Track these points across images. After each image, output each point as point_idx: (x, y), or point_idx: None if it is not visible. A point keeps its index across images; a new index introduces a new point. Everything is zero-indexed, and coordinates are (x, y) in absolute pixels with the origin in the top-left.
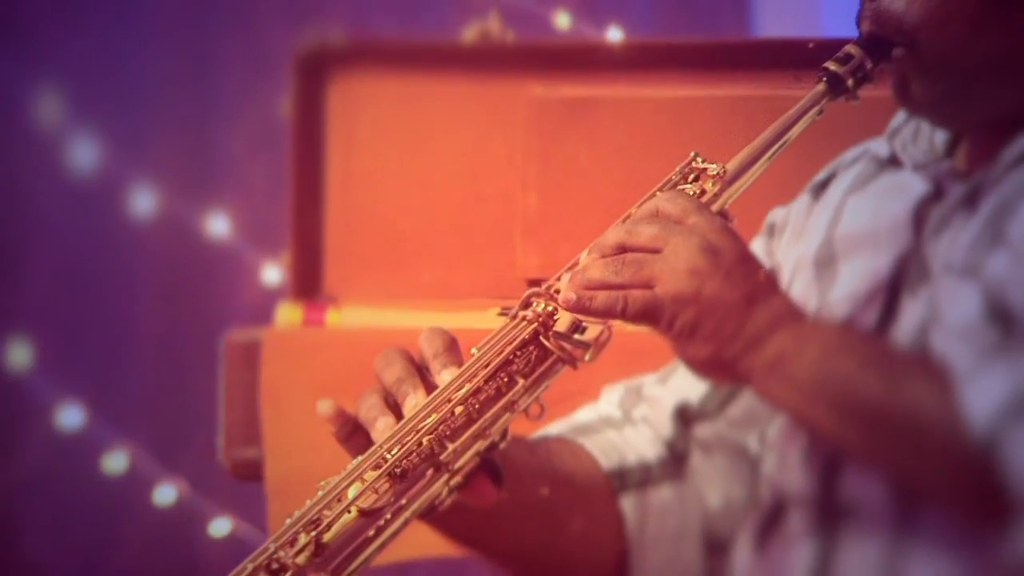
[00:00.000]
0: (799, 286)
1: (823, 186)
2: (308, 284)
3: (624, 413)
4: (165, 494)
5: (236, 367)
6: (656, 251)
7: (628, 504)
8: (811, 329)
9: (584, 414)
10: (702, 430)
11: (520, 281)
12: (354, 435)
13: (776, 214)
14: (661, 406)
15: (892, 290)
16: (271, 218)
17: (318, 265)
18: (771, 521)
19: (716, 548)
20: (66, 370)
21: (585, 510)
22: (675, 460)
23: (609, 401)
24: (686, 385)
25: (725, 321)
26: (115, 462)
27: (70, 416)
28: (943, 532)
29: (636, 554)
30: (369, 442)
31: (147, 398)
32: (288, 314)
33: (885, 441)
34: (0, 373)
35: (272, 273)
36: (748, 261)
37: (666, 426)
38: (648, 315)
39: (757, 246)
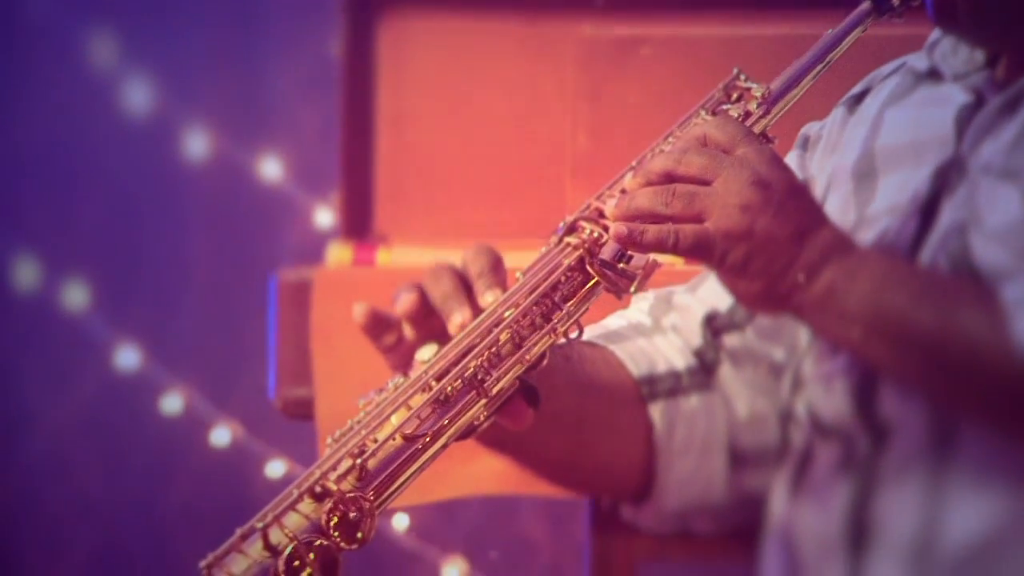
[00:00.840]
0: (836, 199)
1: (858, 99)
2: (358, 224)
3: (654, 321)
4: (220, 435)
5: (287, 307)
6: (706, 183)
7: (657, 412)
8: (861, 261)
9: (614, 321)
10: (730, 340)
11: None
12: (394, 343)
13: (811, 128)
14: (691, 315)
15: (932, 201)
16: (322, 159)
17: (368, 205)
18: (806, 464)
19: (740, 460)
20: (121, 311)
21: (614, 417)
22: (704, 369)
23: (639, 309)
24: (715, 294)
25: (776, 257)
26: (171, 403)
27: (126, 357)
28: (983, 464)
29: (662, 462)
30: (406, 354)
31: (200, 339)
32: (338, 254)
33: (938, 370)
34: (57, 314)
35: (323, 214)
36: (798, 193)
37: (695, 335)
38: (699, 250)
39: (791, 160)
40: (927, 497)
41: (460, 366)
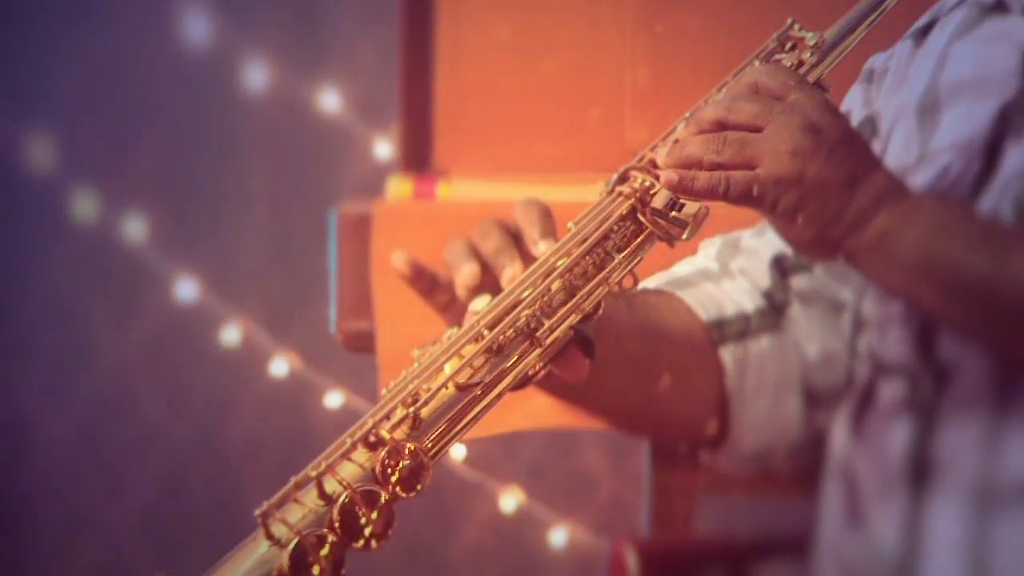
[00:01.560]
0: (901, 134)
1: (924, 32)
2: (418, 157)
3: (722, 265)
4: (279, 367)
5: (347, 240)
6: (757, 130)
7: (727, 355)
8: (914, 207)
9: (682, 268)
10: (799, 281)
11: (628, 154)
12: (436, 291)
13: (876, 60)
14: (758, 257)
15: (995, 138)
16: (381, 91)
17: (428, 138)
18: (867, 401)
19: (815, 400)
20: (180, 244)
21: (684, 362)
22: (773, 311)
23: (707, 254)
24: None
25: (828, 202)
26: (229, 335)
27: (185, 289)
28: None
29: (736, 405)
30: (460, 312)
31: (259, 272)
32: (398, 187)
33: (991, 317)
34: (117, 247)
35: (382, 147)
36: (850, 138)
37: (764, 277)
38: (750, 197)
39: (855, 93)
40: (988, 436)
41: (512, 315)
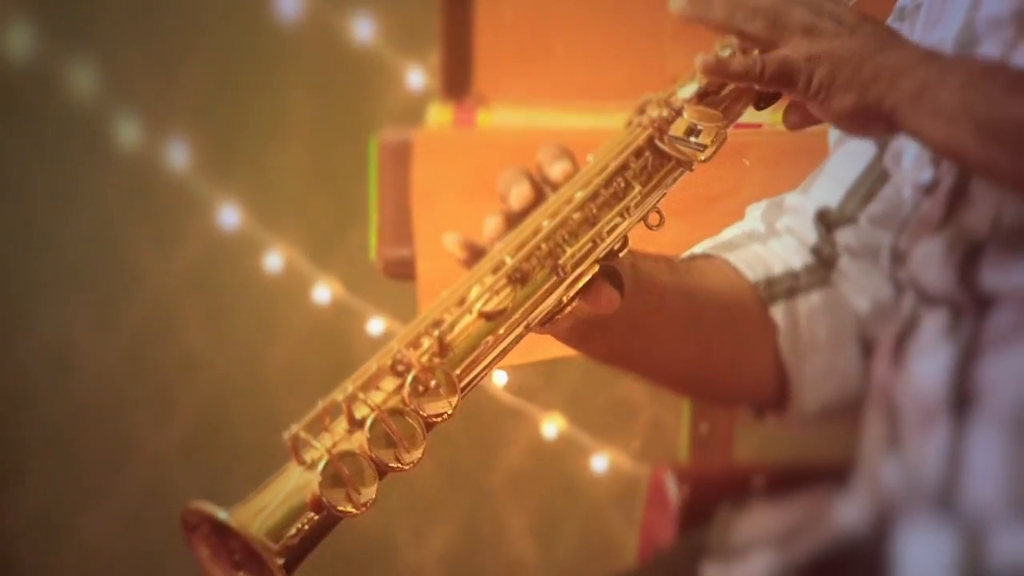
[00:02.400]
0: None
1: None
2: (458, 85)
3: (767, 225)
4: (321, 293)
5: (388, 168)
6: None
7: (778, 314)
8: (950, 61)
9: (729, 232)
10: (844, 235)
11: (669, 81)
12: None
13: None
14: (803, 213)
15: None
16: (421, 19)
17: (468, 66)
18: (910, 329)
19: (872, 352)
20: (223, 171)
21: (733, 323)
22: (822, 266)
23: (753, 217)
24: (826, 191)
25: (861, 67)
26: (273, 261)
27: (229, 216)
28: None
29: (792, 363)
30: None
31: (301, 199)
32: (438, 115)
33: None
34: (160, 173)
35: (422, 75)
36: (873, 20)
37: (810, 233)
38: (784, 76)
39: None
40: None
41: (533, 243)
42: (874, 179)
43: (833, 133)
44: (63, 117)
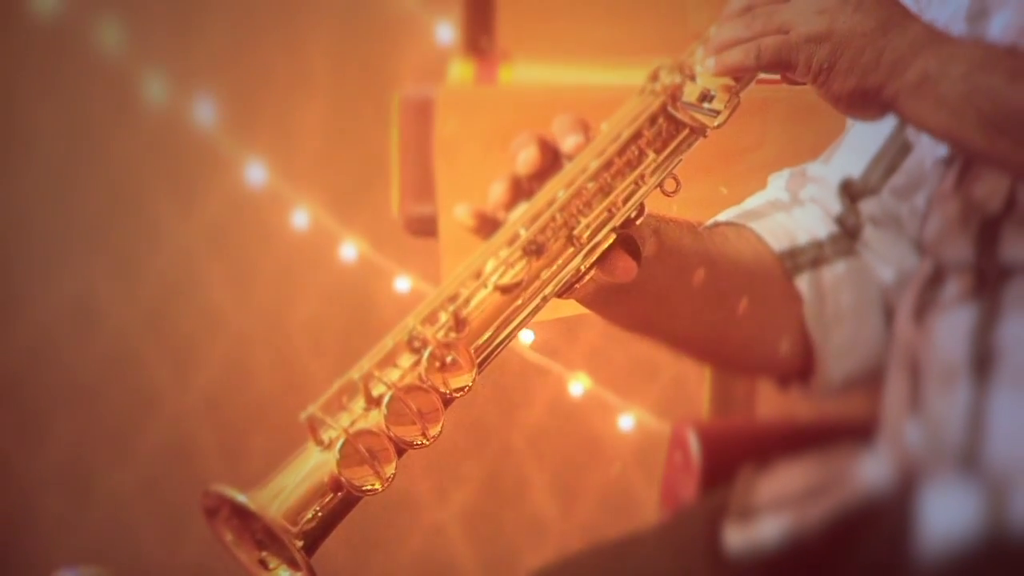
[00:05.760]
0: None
1: None
2: (480, 41)
3: (792, 195)
4: (347, 251)
5: (410, 125)
6: (784, 1)
7: (803, 284)
8: (954, 47)
9: (752, 201)
10: (868, 206)
11: (691, 38)
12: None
13: None
14: (827, 184)
15: None
16: None
17: (490, 21)
18: (931, 289)
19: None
20: (248, 127)
21: (758, 292)
22: (847, 236)
23: (776, 186)
24: (849, 161)
25: (862, 51)
26: (299, 218)
27: (255, 172)
28: None
29: (818, 334)
30: None
31: (325, 156)
32: (460, 71)
33: None
34: (186, 130)
35: (445, 30)
36: None
37: (834, 203)
38: (783, 58)
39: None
40: None
41: (548, 214)
42: (896, 150)
43: None
44: (89, 74)
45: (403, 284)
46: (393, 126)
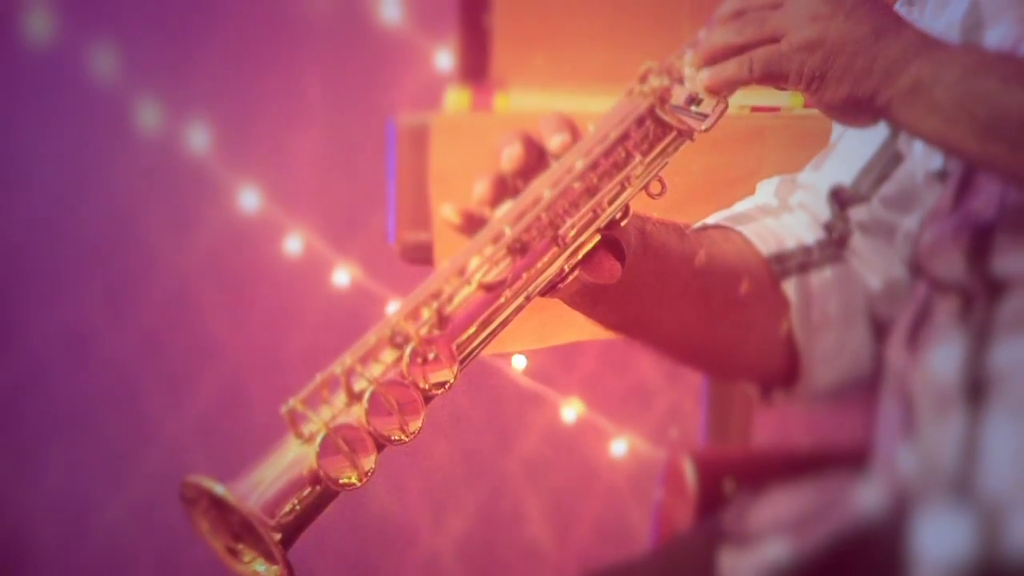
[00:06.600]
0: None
1: None
2: (476, 68)
3: (781, 201)
4: (341, 277)
5: (406, 151)
6: (776, 7)
7: (790, 288)
8: (946, 53)
9: (740, 205)
10: (857, 213)
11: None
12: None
13: None
14: (816, 190)
15: None
16: (440, 2)
17: (486, 49)
18: (924, 315)
19: (883, 330)
20: (242, 153)
21: (744, 295)
22: (835, 242)
23: (765, 192)
24: (840, 169)
25: (855, 58)
26: (292, 245)
27: (248, 198)
28: None
29: (803, 338)
30: None
31: (320, 182)
32: (456, 98)
33: None
34: (180, 156)
35: (442, 57)
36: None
37: (823, 209)
38: (774, 70)
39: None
40: None
41: (532, 213)
42: (888, 159)
43: None
44: (83, 101)
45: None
46: (389, 153)
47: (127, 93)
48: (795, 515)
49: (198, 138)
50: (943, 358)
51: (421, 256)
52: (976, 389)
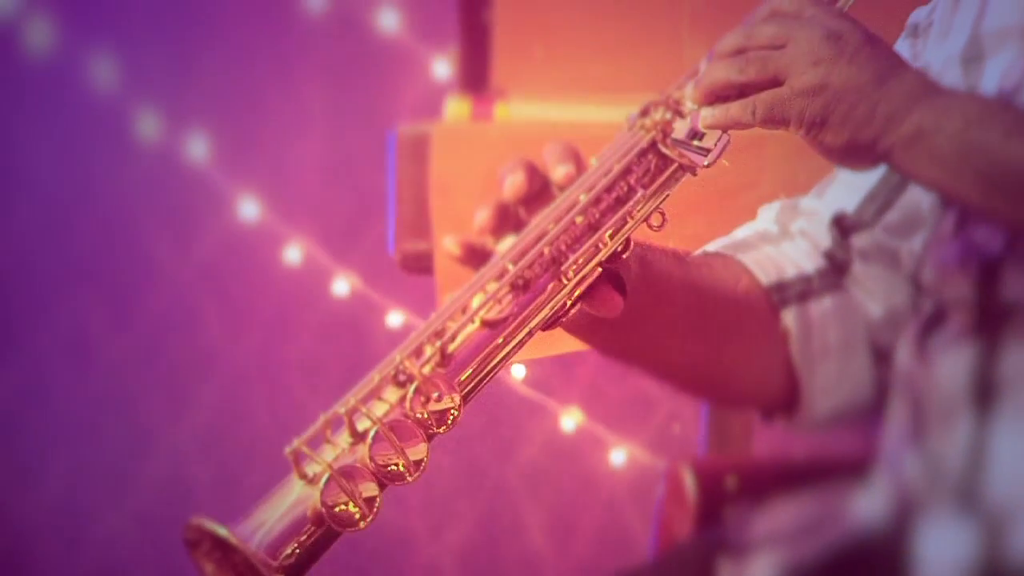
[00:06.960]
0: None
1: None
2: (476, 78)
3: (781, 228)
4: (340, 287)
5: (406, 161)
6: (778, 48)
7: (790, 318)
8: (948, 101)
9: (741, 232)
10: (860, 240)
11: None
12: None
13: (919, 14)
14: (818, 218)
15: None
16: (440, 10)
17: (486, 59)
18: (933, 323)
19: (884, 357)
20: (242, 163)
21: (743, 322)
22: (835, 270)
23: (766, 218)
24: (842, 196)
25: (857, 105)
26: (292, 254)
27: (248, 208)
28: None
29: (803, 368)
30: None
31: (319, 192)
32: (456, 108)
33: None
34: (179, 166)
35: (441, 67)
36: (873, 41)
37: (824, 237)
38: (776, 115)
39: (902, 48)
40: None
41: (536, 250)
42: (892, 187)
43: None
44: (84, 111)
45: (396, 319)
46: (389, 162)
47: (128, 103)
48: (795, 525)
49: (198, 148)
50: (952, 365)
51: (421, 266)
52: (984, 395)
